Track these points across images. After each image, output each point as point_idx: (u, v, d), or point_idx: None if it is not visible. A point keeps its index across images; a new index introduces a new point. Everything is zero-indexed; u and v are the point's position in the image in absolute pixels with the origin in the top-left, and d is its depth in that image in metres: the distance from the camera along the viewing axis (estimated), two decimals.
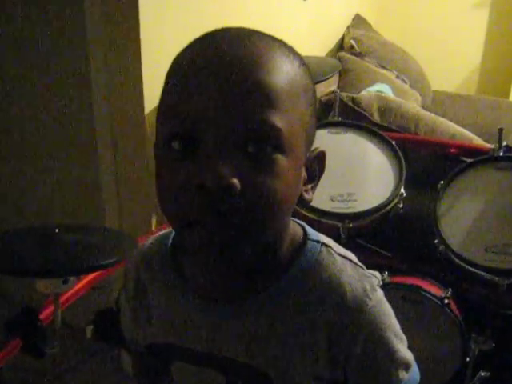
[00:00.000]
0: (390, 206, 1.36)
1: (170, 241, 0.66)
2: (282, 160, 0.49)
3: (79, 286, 1.31)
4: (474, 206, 1.38)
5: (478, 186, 1.41)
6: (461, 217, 1.36)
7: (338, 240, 1.31)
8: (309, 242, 0.60)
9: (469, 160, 1.45)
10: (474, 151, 1.59)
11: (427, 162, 1.73)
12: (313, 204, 1.21)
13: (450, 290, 1.35)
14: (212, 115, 0.47)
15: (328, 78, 1.67)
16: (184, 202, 0.49)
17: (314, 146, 0.58)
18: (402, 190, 1.39)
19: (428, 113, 1.86)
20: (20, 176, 1.89)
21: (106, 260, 1.11)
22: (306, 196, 0.57)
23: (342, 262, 0.59)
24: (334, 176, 1.36)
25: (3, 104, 1.86)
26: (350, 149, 1.49)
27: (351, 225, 1.31)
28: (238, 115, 0.47)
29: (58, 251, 1.13)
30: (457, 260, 1.30)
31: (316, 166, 0.58)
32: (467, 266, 1.28)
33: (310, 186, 0.58)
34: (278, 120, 0.48)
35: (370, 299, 0.57)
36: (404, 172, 1.40)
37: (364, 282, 0.59)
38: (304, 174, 0.56)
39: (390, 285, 1.33)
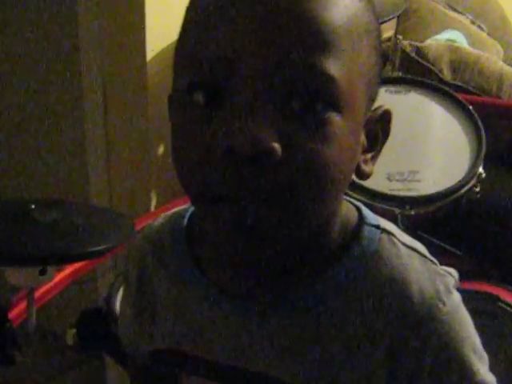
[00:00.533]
0: (463, 190, 1.31)
1: (186, 221, 0.65)
2: (336, 120, 0.47)
3: (59, 278, 1.30)
4: None
5: None
6: None
7: None
8: (365, 227, 0.58)
9: None
10: None
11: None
12: (363, 183, 1.18)
13: None
14: (245, 57, 0.46)
15: (387, 21, 1.62)
16: (208, 170, 0.47)
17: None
18: (481, 170, 1.34)
19: None
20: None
21: (95, 247, 1.10)
22: (365, 168, 0.55)
23: (409, 255, 0.57)
24: (392, 148, 1.30)
25: None
26: (414, 113, 1.43)
27: (412, 212, 1.27)
28: (281, 58, 0.45)
29: (33, 233, 1.12)
30: None
31: (379, 129, 0.56)
32: None
33: (369, 156, 0.56)
34: (333, 67, 0.46)
35: (444, 304, 0.55)
36: (484, 146, 1.35)
37: (437, 281, 0.56)
38: (363, 139, 0.54)
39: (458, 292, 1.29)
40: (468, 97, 1.56)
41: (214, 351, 0.60)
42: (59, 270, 1.25)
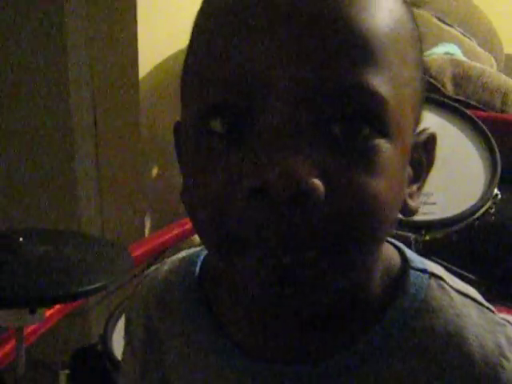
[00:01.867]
0: (480, 212, 1.24)
1: (198, 268, 0.54)
2: (385, 147, 0.39)
3: (49, 314, 1.20)
4: None
5: None
6: None
7: None
8: (411, 272, 0.48)
9: None
10: None
11: None
12: None
13: None
14: (277, 74, 0.37)
15: None
16: (232, 214, 0.39)
17: None
18: (497, 191, 1.26)
19: None
20: None
21: (89, 285, 0.99)
22: (411, 203, 0.46)
23: (463, 303, 0.48)
24: None
25: None
26: None
27: (427, 237, 1.18)
28: (320, 75, 0.37)
29: (22, 270, 1.01)
30: None
31: (423, 156, 0.47)
32: None
33: (415, 188, 0.47)
34: (382, 84, 0.38)
35: (508, 360, 0.46)
36: (499, 164, 1.28)
37: (497, 333, 0.47)
38: (408, 167, 0.45)
39: None
40: (471, 112, 1.48)
41: None
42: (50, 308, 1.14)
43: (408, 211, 0.46)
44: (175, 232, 1.45)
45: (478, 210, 1.25)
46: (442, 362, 0.46)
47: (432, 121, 1.38)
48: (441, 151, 1.29)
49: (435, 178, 1.29)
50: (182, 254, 0.58)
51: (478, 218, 1.26)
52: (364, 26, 0.38)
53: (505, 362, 0.45)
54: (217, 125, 0.39)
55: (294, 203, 0.36)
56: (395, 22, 0.41)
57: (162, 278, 0.56)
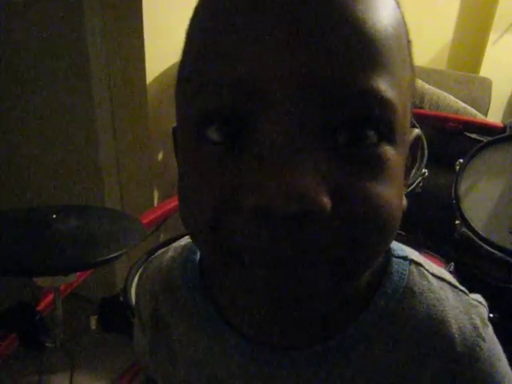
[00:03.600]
0: (412, 187, 1.12)
1: (199, 257, 0.41)
2: (391, 154, 0.27)
3: (81, 275, 1.05)
4: (495, 186, 1.15)
5: (498, 165, 1.18)
6: (482, 198, 1.13)
7: None
8: (394, 259, 0.37)
9: (486, 138, 1.22)
10: (484, 128, 1.36)
11: (431, 138, 1.48)
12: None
13: (453, 264, 1.13)
14: (278, 78, 0.24)
15: None
16: (228, 228, 0.27)
17: None
18: (425, 170, 1.15)
19: (432, 87, 1.61)
20: (18, 156, 1.59)
21: (113, 253, 0.85)
22: (403, 202, 0.33)
23: (441, 287, 0.38)
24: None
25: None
26: None
27: None
28: (327, 81, 0.25)
29: (56, 245, 0.85)
30: (480, 242, 1.08)
31: (409, 156, 0.34)
32: (492, 249, 1.06)
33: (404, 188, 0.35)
34: (389, 89, 0.26)
35: (484, 340, 0.36)
36: (426, 149, 1.16)
37: (472, 314, 0.37)
38: None
39: None
40: None
41: None
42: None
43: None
44: (176, 203, 1.30)
45: (412, 184, 1.12)
46: (425, 344, 0.36)
47: None
48: None
49: None
50: (185, 240, 0.43)
51: (411, 191, 1.14)
52: (371, 28, 0.25)
53: (481, 342, 0.36)
54: (213, 132, 0.26)
55: (299, 221, 0.24)
56: (397, 24, 0.28)
57: (165, 265, 0.43)
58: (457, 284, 0.39)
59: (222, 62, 0.25)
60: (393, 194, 0.27)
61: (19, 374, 1.38)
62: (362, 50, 0.25)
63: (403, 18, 0.30)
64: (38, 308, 1.01)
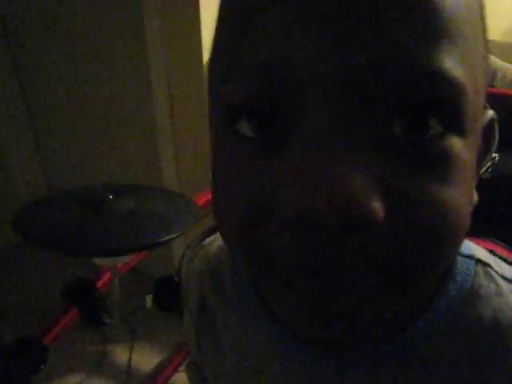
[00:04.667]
0: (481, 172, 1.02)
1: None
2: (460, 148, 0.22)
3: (138, 255, 1.07)
4: None
5: None
6: None
7: None
8: (459, 258, 0.32)
9: None
10: None
11: (503, 120, 1.35)
12: None
13: None
14: (320, 60, 0.20)
15: None
16: (264, 236, 0.22)
17: None
18: (495, 154, 1.04)
19: (505, 63, 1.46)
20: (77, 135, 1.63)
21: (167, 236, 0.84)
22: (475, 196, 0.28)
23: (510, 290, 0.32)
24: None
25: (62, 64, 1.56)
26: None
27: None
28: (379, 60, 0.20)
29: (113, 225, 0.86)
30: None
31: (482, 143, 0.28)
32: None
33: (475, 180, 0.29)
34: (458, 67, 0.20)
35: None
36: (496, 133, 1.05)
37: None
38: None
39: None
40: None
41: None
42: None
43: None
44: None
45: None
46: (491, 351, 0.31)
47: None
48: None
49: None
50: None
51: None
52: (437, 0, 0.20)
53: None
54: (244, 125, 0.22)
55: (348, 232, 0.20)
56: None
57: (213, 253, 0.40)
58: None
59: (253, 40, 0.21)
60: (462, 198, 0.22)
61: (84, 345, 1.45)
62: (422, 18, 0.20)
63: None
64: (98, 285, 1.04)
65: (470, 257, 0.32)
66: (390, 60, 0.19)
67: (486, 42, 0.25)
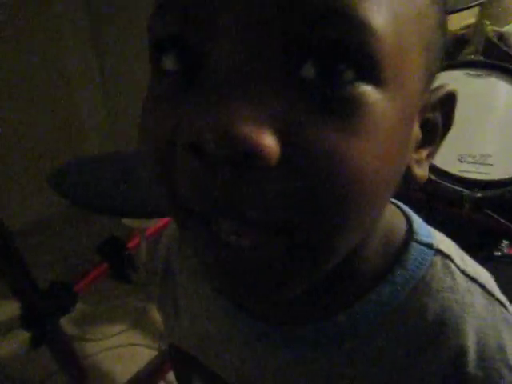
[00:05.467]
0: None
1: None
2: (374, 98, 0.20)
3: (165, 221, 1.11)
4: None
5: None
6: None
7: (460, 209, 0.94)
8: (414, 245, 0.30)
9: None
10: None
11: None
12: (434, 161, 0.84)
13: None
14: None
15: (470, 7, 1.17)
16: (169, 169, 0.23)
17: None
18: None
19: None
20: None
21: None
22: (418, 171, 0.27)
23: (469, 290, 0.30)
24: (465, 130, 0.94)
25: None
26: (492, 97, 1.04)
27: (480, 194, 0.91)
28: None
29: (144, 190, 0.90)
30: None
31: (439, 116, 0.27)
32: None
33: (425, 154, 0.28)
34: (374, 12, 0.19)
35: (510, 370, 0.27)
36: None
37: (503, 333, 0.29)
38: (417, 130, 0.26)
39: (506, 257, 0.95)
40: None
41: (225, 369, 0.36)
42: None
43: (414, 181, 0.27)
44: None
45: None
46: (428, 350, 0.28)
47: (505, 88, 1.05)
48: (508, 116, 0.99)
49: (497, 142, 1.00)
50: None
51: None
52: None
53: (505, 371, 0.27)
54: (169, 61, 0.22)
55: (237, 166, 0.19)
56: None
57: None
58: (495, 291, 0.30)
59: None
60: (371, 152, 0.20)
61: (128, 300, 1.55)
62: None
63: None
64: (129, 245, 1.10)
65: (429, 245, 0.30)
66: (300, 1, 0.19)
67: (442, 17, 0.24)
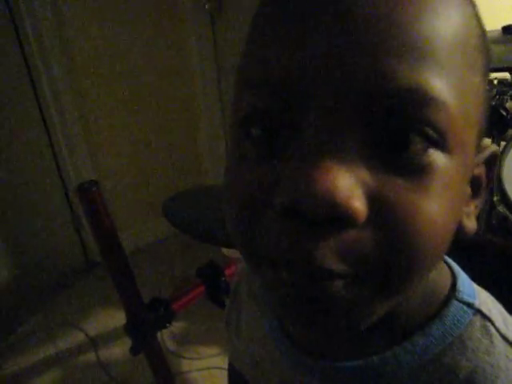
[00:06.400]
0: None
1: None
2: (443, 163, 0.23)
3: None
4: None
5: None
6: None
7: None
8: (455, 303, 0.31)
9: None
10: None
11: None
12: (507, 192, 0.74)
13: None
14: (320, 77, 0.23)
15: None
16: (258, 227, 0.25)
17: None
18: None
19: None
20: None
21: None
22: (468, 223, 0.29)
23: (506, 354, 0.29)
24: None
25: None
26: None
27: None
28: (369, 78, 0.22)
29: None
30: None
31: (483, 174, 0.30)
32: None
33: (473, 207, 0.30)
34: (443, 88, 0.22)
35: None
36: None
37: None
38: (467, 187, 0.29)
39: None
40: None
41: None
42: None
43: (464, 232, 0.29)
44: None
45: None
46: None
47: None
48: None
49: None
50: None
51: None
52: (425, 25, 0.22)
53: None
54: (256, 129, 0.25)
55: (329, 227, 0.22)
56: (462, 24, 0.24)
57: None
58: None
59: (266, 58, 0.24)
60: (440, 209, 0.23)
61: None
62: (411, 46, 0.22)
63: (477, 23, 0.26)
64: (226, 272, 1.16)
65: (470, 305, 0.31)
66: (379, 81, 0.22)
67: (487, 74, 0.27)
